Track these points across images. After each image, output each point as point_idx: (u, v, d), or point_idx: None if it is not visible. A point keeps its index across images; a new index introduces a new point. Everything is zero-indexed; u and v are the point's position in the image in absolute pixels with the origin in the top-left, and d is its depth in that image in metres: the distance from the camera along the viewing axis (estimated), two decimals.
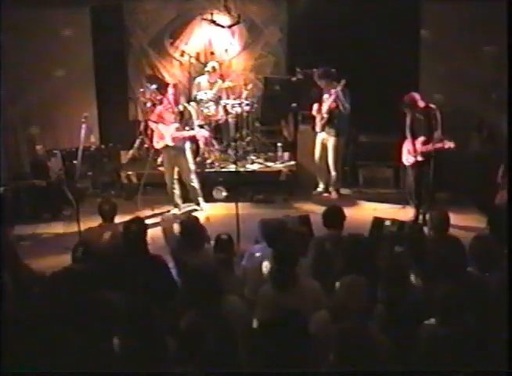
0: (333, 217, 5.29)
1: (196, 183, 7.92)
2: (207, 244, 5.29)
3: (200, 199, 8.01)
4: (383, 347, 3.35)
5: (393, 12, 8.81)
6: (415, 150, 7.22)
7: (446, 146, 6.94)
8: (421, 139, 7.16)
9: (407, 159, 7.41)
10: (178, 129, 7.62)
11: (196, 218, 5.56)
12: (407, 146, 7.38)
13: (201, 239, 5.21)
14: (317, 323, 3.64)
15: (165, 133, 7.66)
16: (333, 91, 8.05)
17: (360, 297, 3.62)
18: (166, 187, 7.97)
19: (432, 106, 7.21)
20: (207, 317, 3.61)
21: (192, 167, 7.91)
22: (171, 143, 7.66)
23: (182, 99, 7.83)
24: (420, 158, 7.21)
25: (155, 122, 7.79)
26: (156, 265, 4.77)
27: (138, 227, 4.89)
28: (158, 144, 7.80)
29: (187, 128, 7.66)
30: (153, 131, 8.07)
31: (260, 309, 4.16)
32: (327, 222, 5.27)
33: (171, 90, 7.71)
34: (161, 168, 8.16)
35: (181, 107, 7.69)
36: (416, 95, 7.26)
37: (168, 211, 7.92)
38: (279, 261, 4.22)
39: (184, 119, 7.65)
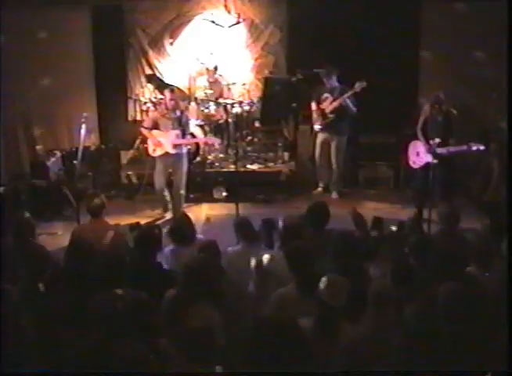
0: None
1: (184, 191, 7.62)
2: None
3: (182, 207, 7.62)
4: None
5: (393, 12, 8.80)
6: (430, 152, 6.73)
7: (475, 148, 6.53)
8: (437, 140, 6.65)
9: (415, 161, 7.19)
10: (178, 136, 7.30)
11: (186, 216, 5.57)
12: (417, 148, 7.13)
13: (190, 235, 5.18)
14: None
15: (163, 140, 7.33)
16: (345, 95, 8.03)
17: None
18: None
19: (452, 109, 6.96)
20: None
21: (185, 176, 7.59)
22: (172, 151, 7.30)
23: (181, 104, 7.54)
24: (433, 160, 6.65)
25: (149, 129, 7.46)
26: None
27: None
28: (155, 152, 7.44)
29: (186, 133, 7.39)
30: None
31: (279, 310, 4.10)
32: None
33: (168, 95, 7.38)
34: None
35: (178, 113, 7.36)
36: (442, 96, 6.97)
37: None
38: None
39: (181, 124, 7.32)
